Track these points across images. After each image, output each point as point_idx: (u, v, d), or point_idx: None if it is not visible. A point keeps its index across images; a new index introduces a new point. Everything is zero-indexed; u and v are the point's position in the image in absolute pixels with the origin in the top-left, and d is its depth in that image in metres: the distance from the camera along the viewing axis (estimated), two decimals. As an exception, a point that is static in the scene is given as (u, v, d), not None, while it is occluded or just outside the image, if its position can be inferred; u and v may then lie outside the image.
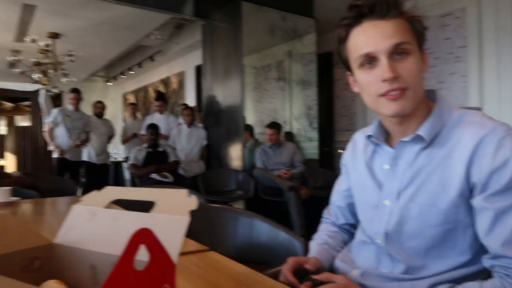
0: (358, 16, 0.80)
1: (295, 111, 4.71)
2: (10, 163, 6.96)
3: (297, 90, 4.69)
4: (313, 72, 4.72)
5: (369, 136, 0.92)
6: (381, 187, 0.88)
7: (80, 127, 4.97)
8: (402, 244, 0.83)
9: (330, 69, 5.57)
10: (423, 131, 0.80)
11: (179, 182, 4.12)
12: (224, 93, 4.48)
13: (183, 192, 0.54)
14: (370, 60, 0.79)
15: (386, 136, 0.91)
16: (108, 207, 0.58)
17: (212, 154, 4.72)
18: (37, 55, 5.90)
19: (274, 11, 4.40)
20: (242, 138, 4.24)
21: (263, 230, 1.24)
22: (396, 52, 0.77)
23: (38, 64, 5.97)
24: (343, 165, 1.05)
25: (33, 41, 5.45)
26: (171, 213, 0.50)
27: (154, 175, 4.09)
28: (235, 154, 4.32)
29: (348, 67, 0.86)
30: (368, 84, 0.80)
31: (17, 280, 0.38)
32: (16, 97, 7.44)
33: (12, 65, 6.50)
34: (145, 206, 0.58)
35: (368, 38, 0.78)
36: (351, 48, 0.82)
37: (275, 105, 4.56)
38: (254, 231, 1.27)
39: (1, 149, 6.59)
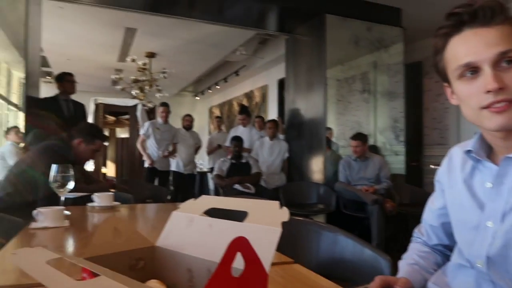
0: (457, 24, 0.75)
1: (380, 124, 4.53)
2: (110, 170, 7.71)
3: (383, 102, 4.52)
4: (400, 83, 4.51)
5: (468, 152, 0.85)
6: (482, 207, 0.80)
7: (169, 139, 5.32)
8: (508, 271, 0.75)
9: (418, 80, 5.28)
10: None
11: (260, 193, 4.19)
12: (306, 106, 4.48)
13: (274, 204, 0.55)
14: (471, 70, 0.74)
15: (488, 152, 0.83)
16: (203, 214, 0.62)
17: (294, 167, 4.72)
18: (136, 73, 6.50)
19: (359, 22, 4.32)
20: (324, 151, 4.19)
21: (347, 246, 1.20)
22: (503, 61, 0.71)
23: (136, 81, 6.58)
24: (437, 181, 0.98)
25: (133, 60, 6.02)
26: (264, 223, 0.52)
27: (237, 186, 4.21)
28: (317, 167, 4.27)
29: (445, 79, 0.82)
30: (469, 96, 0.75)
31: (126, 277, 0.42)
32: (117, 111, 8.24)
33: (115, 82, 7.25)
34: (232, 215, 0.60)
35: (469, 47, 0.73)
36: (449, 58, 0.78)
37: (358, 118, 4.44)
38: (337, 246, 1.24)
39: (104, 158, 7.33)
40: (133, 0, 4.07)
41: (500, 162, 0.78)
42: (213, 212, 0.62)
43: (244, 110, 5.85)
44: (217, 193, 4.70)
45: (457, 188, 0.88)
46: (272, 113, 7.13)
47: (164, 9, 4.29)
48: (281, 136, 5.08)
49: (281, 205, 0.55)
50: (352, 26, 4.32)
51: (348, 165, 3.96)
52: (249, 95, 8.26)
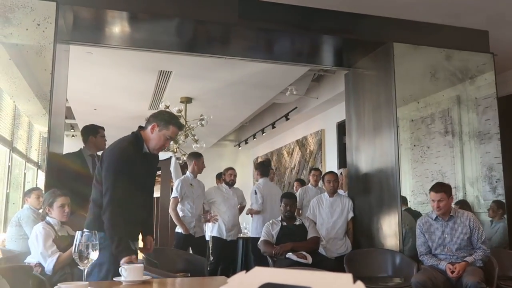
0: None
1: (470, 173, 4.35)
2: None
3: (471, 146, 4.36)
4: (493, 121, 4.36)
5: None
6: None
7: (202, 195, 5.34)
8: None
9: (517, 116, 5.07)
10: None
11: (319, 264, 4.07)
12: (373, 153, 4.42)
13: (346, 278, 0.53)
14: None
15: None
16: (257, 291, 0.60)
17: (360, 230, 4.58)
18: (169, 122, 6.79)
19: (435, 49, 4.30)
20: (398, 208, 4.04)
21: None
22: None
23: (169, 130, 6.85)
24: None
25: (167, 107, 6.33)
26: (334, 303, 0.50)
27: (290, 255, 4.12)
28: (390, 229, 4.11)
29: None
30: None
31: None
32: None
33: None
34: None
35: None
36: None
37: (441, 166, 4.30)
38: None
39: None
40: (167, 41, 4.36)
41: None
42: (269, 288, 0.61)
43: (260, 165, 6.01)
44: (261, 264, 4.61)
45: None
46: (330, 163, 7.07)
47: (201, 48, 4.55)
48: (343, 192, 4.99)
49: (354, 279, 0.53)
50: (427, 55, 4.30)
51: (428, 227, 3.67)
52: (302, 143, 8.31)
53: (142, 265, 2.08)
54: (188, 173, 5.35)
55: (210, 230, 5.44)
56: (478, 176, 4.35)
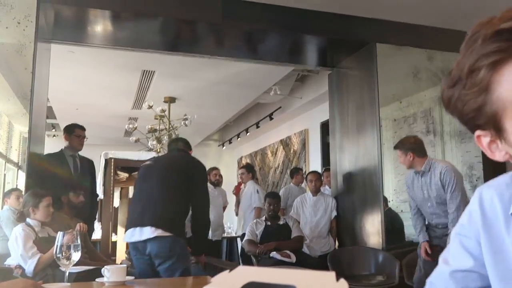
0: (509, 46, 0.65)
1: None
2: (121, 238, 7.78)
3: (452, 145, 4.42)
4: (473, 121, 4.42)
5: None
6: None
7: None
8: None
9: (496, 116, 5.17)
10: None
11: (303, 262, 4.09)
12: (357, 152, 4.45)
13: (329, 276, 0.54)
14: None
15: None
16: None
17: (344, 228, 4.61)
18: (153, 121, 6.74)
19: (417, 50, 4.35)
20: (381, 207, 4.08)
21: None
22: None
23: (153, 130, 6.80)
24: (463, 236, 0.90)
25: (150, 107, 6.28)
26: (318, 301, 0.50)
27: (274, 254, 4.13)
28: (373, 227, 4.15)
29: (496, 126, 0.70)
30: None
31: None
32: (130, 166, 8.47)
33: (128, 133, 7.53)
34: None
35: None
36: (508, 96, 0.66)
37: (423, 165, 4.34)
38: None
39: (114, 224, 7.43)
40: (151, 40, 4.32)
41: None
42: (253, 287, 0.60)
43: (246, 165, 6.25)
44: (246, 263, 4.62)
45: (507, 257, 0.80)
46: (314, 163, 7.10)
47: (185, 48, 4.53)
48: (327, 191, 5.02)
49: (338, 277, 0.53)
50: (409, 56, 4.35)
51: (412, 183, 3.57)
52: (286, 142, 8.33)
53: (125, 266, 2.06)
54: None
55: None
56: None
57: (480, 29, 0.67)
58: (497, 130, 0.70)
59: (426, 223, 3.60)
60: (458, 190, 3.31)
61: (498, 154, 0.73)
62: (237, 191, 6.13)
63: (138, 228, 2.82)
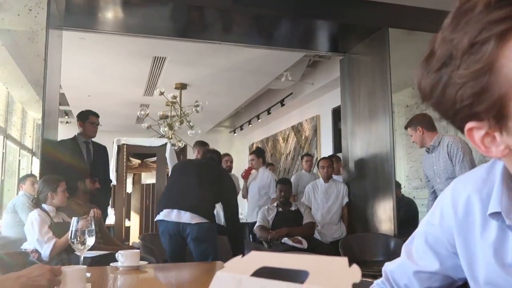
0: None
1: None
2: (134, 223, 7.88)
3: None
4: (488, 106, 4.37)
5: (494, 215, 0.70)
6: None
7: None
8: None
9: None
10: None
11: (314, 248, 4.10)
12: (369, 138, 4.42)
13: (342, 261, 0.54)
14: None
15: None
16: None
17: (356, 215, 4.61)
18: (164, 108, 6.77)
19: (430, 34, 4.26)
20: (393, 193, 4.07)
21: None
22: None
23: (165, 117, 6.83)
24: (432, 236, 0.87)
25: (161, 93, 6.30)
26: (330, 286, 0.50)
27: (285, 240, 4.15)
28: (385, 214, 4.14)
29: (499, 112, 0.57)
30: None
31: None
32: (142, 153, 8.53)
33: (140, 120, 7.57)
34: (289, 276, 0.59)
35: None
36: None
37: (435, 152, 4.31)
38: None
39: (127, 209, 7.52)
40: (162, 27, 4.31)
41: None
42: (266, 272, 0.61)
43: (255, 151, 6.08)
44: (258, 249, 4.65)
45: (485, 262, 0.75)
46: (326, 149, 7.09)
47: (196, 34, 4.51)
48: (339, 177, 5.01)
49: (350, 262, 0.53)
50: (421, 40, 4.28)
51: (425, 161, 3.55)
52: (297, 128, 8.31)
53: (139, 251, 2.09)
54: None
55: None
56: (476, 160, 4.37)
57: None
58: (500, 118, 0.57)
59: None
60: (467, 161, 3.23)
61: (495, 150, 0.61)
62: (246, 174, 6.09)
63: (175, 210, 3.23)
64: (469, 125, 0.61)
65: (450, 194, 0.83)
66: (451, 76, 0.58)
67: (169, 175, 5.58)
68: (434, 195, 3.53)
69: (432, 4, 4.18)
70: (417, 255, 0.90)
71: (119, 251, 2.00)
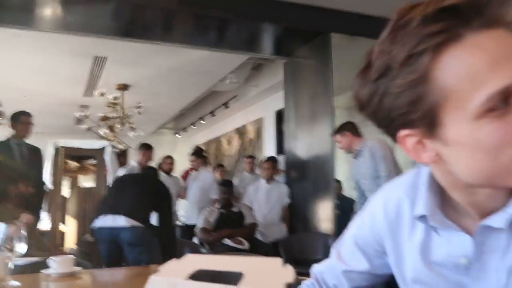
0: (452, 26, 0.56)
1: (403, 159, 4.54)
2: (71, 228, 7.56)
3: (401, 134, 4.56)
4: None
5: (421, 218, 0.74)
6: None
7: None
8: None
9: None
10: None
11: (256, 249, 4.13)
12: (310, 140, 4.50)
13: (276, 262, 0.54)
14: (504, 99, 0.55)
15: (441, 211, 0.72)
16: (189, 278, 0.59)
17: (296, 215, 4.68)
18: (105, 109, 6.54)
19: (370, 41, 4.38)
20: (332, 194, 4.16)
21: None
22: None
23: (105, 118, 6.61)
24: (362, 238, 0.90)
25: (102, 94, 6.09)
26: (264, 286, 0.50)
27: (227, 241, 4.15)
28: (324, 214, 4.23)
29: (432, 120, 0.60)
30: (501, 142, 0.57)
31: None
32: (81, 155, 8.22)
33: (79, 121, 7.28)
34: (225, 278, 0.58)
35: (497, 60, 0.55)
36: (451, 85, 0.57)
37: (374, 154, 4.46)
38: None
39: (62, 213, 7.20)
40: (103, 25, 4.17)
41: (475, 231, 0.69)
42: (201, 275, 0.60)
43: (195, 151, 5.98)
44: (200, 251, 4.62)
45: (412, 263, 0.79)
46: (269, 151, 7.14)
47: (139, 34, 4.40)
48: (279, 178, 5.07)
49: (284, 262, 0.53)
50: (363, 46, 4.40)
51: (353, 168, 3.68)
52: (241, 131, 8.32)
53: (72, 256, 2.01)
54: (133, 162, 5.17)
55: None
56: (408, 161, 4.55)
57: (408, 12, 0.59)
58: (432, 126, 0.61)
59: None
60: (390, 160, 3.42)
61: (426, 156, 0.64)
62: (185, 175, 6.03)
63: (110, 216, 3.27)
64: (403, 132, 0.64)
65: (381, 198, 0.87)
66: (388, 86, 0.60)
67: (107, 177, 5.44)
68: (364, 198, 3.65)
69: (374, 10, 4.32)
70: (346, 255, 0.94)
71: (51, 257, 1.91)
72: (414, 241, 0.77)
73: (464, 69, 0.56)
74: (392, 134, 0.66)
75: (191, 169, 5.87)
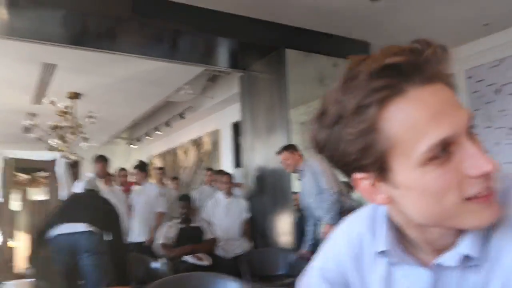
0: (395, 82, 0.61)
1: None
2: (22, 244, 7.16)
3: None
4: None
5: (381, 253, 0.78)
6: None
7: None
8: None
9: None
10: (467, 245, 0.67)
11: (217, 264, 4.05)
12: (267, 153, 4.48)
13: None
14: (444, 148, 0.61)
15: (398, 248, 0.77)
16: None
17: (256, 229, 4.64)
18: (55, 118, 6.26)
19: (324, 57, 4.47)
20: (291, 207, 4.15)
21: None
22: (470, 131, 0.64)
23: (55, 128, 6.32)
24: (328, 271, 0.90)
25: (52, 102, 5.82)
26: None
27: (188, 257, 4.05)
28: (284, 228, 4.21)
29: (382, 166, 0.65)
30: (445, 187, 0.62)
31: None
32: (31, 167, 7.85)
33: (27, 129, 6.93)
34: None
35: (435, 113, 0.61)
36: (397, 134, 0.62)
37: (330, 166, 4.49)
38: None
39: (10, 228, 6.82)
40: (52, 32, 3.98)
41: (432, 266, 0.73)
42: None
43: (138, 165, 5.70)
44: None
45: None
46: (226, 163, 7.08)
47: (91, 42, 4.24)
48: (237, 192, 5.01)
49: (239, 278, 0.47)
50: (317, 63, 4.45)
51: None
52: (197, 142, 8.21)
53: (28, 280, 1.85)
54: (90, 174, 4.93)
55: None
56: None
57: (357, 65, 0.63)
58: (382, 170, 0.65)
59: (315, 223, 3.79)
60: (329, 174, 3.52)
61: (379, 198, 0.69)
62: (125, 188, 5.69)
63: (66, 224, 3.21)
64: (357, 175, 0.69)
65: (343, 232, 0.89)
66: (342, 133, 0.64)
67: (59, 191, 5.17)
68: (313, 220, 3.77)
69: (328, 29, 4.38)
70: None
71: (2, 282, 1.75)
72: (377, 275, 0.80)
73: (408, 121, 0.61)
74: (349, 176, 0.70)
75: (134, 183, 5.60)
